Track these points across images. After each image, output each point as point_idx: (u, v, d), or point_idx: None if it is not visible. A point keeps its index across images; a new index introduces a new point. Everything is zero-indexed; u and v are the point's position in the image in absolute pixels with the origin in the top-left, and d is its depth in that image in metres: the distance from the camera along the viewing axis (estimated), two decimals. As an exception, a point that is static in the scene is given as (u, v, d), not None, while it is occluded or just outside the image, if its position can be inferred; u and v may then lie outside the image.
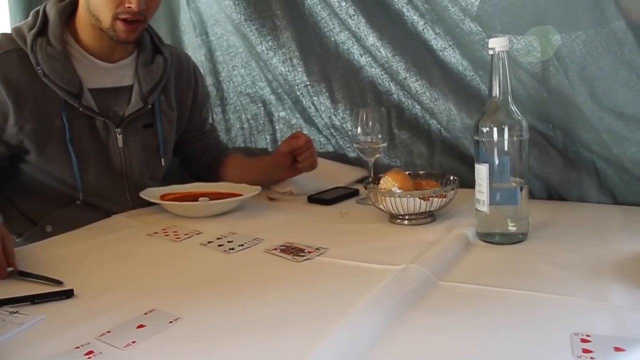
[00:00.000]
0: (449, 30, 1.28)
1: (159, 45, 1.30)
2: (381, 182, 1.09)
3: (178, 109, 1.35)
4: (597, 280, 0.76)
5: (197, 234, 1.06)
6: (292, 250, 0.93)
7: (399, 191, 1.03)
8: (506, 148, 0.91)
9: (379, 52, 1.37)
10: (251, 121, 1.67)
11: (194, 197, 1.24)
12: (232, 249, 0.96)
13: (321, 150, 1.57)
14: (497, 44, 0.90)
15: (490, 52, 0.91)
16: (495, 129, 0.91)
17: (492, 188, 0.91)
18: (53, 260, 0.93)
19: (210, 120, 1.54)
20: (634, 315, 0.66)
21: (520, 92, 1.16)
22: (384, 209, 1.06)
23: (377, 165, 1.32)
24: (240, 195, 1.21)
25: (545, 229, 0.99)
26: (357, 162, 1.50)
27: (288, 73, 1.49)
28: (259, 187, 1.24)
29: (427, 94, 1.33)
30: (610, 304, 0.69)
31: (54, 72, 1.12)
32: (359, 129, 1.24)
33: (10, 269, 0.86)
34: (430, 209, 1.04)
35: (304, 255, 0.90)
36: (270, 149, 1.66)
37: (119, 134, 1.22)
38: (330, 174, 1.41)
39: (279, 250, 0.94)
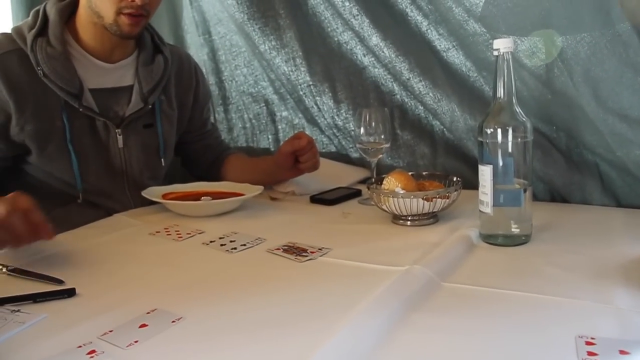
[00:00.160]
0: (453, 31, 1.28)
1: (160, 45, 1.30)
2: (384, 182, 1.09)
3: (179, 108, 1.35)
4: (601, 282, 0.76)
5: (199, 233, 1.06)
6: (295, 251, 0.93)
7: (402, 192, 1.03)
8: (510, 149, 0.91)
9: (383, 52, 1.36)
10: (253, 121, 1.67)
11: (195, 197, 1.23)
12: (235, 248, 0.96)
13: (324, 151, 1.56)
14: (502, 45, 0.90)
15: (495, 53, 0.90)
16: (499, 130, 0.90)
17: (495, 189, 0.91)
18: (54, 259, 0.92)
19: (211, 120, 1.54)
20: (639, 318, 0.66)
21: (524, 94, 1.16)
22: (386, 209, 1.05)
23: (380, 165, 1.32)
24: (242, 194, 1.21)
25: (548, 231, 0.99)
26: (360, 163, 1.49)
27: (291, 73, 1.49)
28: (261, 187, 1.24)
29: (431, 94, 1.32)
30: (615, 306, 0.69)
31: (54, 73, 1.12)
32: (362, 129, 1.24)
33: None
34: (433, 210, 1.03)
35: (306, 256, 0.90)
36: (272, 149, 1.65)
37: (119, 135, 1.22)
38: (332, 174, 1.40)
39: (282, 250, 0.93)
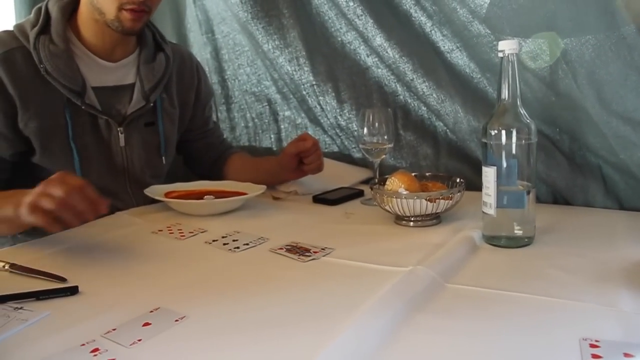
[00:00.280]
0: (457, 32, 1.28)
1: (161, 43, 1.30)
2: (387, 183, 1.08)
3: (180, 107, 1.35)
4: (604, 285, 0.76)
5: (202, 232, 1.06)
6: (298, 250, 0.93)
7: (405, 192, 1.03)
8: (514, 151, 0.91)
9: (386, 52, 1.36)
10: (256, 120, 1.67)
11: (198, 195, 1.23)
12: (237, 247, 0.96)
13: (326, 150, 1.56)
14: (507, 46, 0.90)
15: (500, 54, 0.90)
16: (503, 132, 0.90)
17: (499, 191, 0.91)
18: (57, 257, 0.92)
19: (213, 119, 1.54)
20: (643, 321, 0.66)
21: (528, 96, 1.16)
22: (389, 210, 1.05)
23: (383, 166, 1.32)
24: (245, 194, 1.21)
25: (551, 233, 0.99)
26: (362, 163, 1.49)
27: (294, 72, 1.49)
28: (264, 186, 1.24)
29: (434, 95, 1.32)
30: (619, 309, 0.69)
31: (57, 70, 1.12)
32: (365, 130, 1.24)
33: None
34: (437, 211, 1.03)
35: (309, 255, 0.90)
36: (274, 148, 1.65)
37: (121, 133, 1.22)
38: (335, 174, 1.40)
39: (285, 249, 0.93)
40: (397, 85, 1.41)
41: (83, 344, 0.63)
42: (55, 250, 0.96)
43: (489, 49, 1.20)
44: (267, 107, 1.64)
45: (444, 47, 1.32)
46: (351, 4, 1.38)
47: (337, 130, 1.51)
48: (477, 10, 1.19)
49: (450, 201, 1.04)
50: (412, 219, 1.05)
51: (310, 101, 1.51)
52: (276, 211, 1.22)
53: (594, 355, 0.58)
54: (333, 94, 1.47)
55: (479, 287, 0.76)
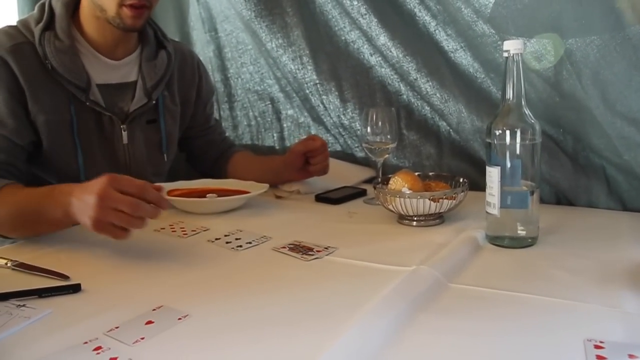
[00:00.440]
0: (461, 32, 1.27)
1: (163, 41, 1.30)
2: (391, 182, 1.08)
3: (182, 104, 1.35)
4: (608, 286, 0.76)
5: (204, 230, 1.05)
6: (301, 249, 0.92)
7: (408, 192, 1.03)
8: (518, 151, 0.90)
9: (390, 52, 1.36)
10: (259, 119, 1.67)
11: (200, 194, 1.23)
12: (240, 246, 0.96)
13: (329, 149, 1.55)
14: (512, 46, 0.89)
15: (505, 54, 0.90)
16: (507, 132, 0.90)
17: (503, 191, 0.91)
18: (59, 254, 0.92)
19: (215, 116, 1.54)
20: (647, 322, 0.65)
21: (532, 96, 1.16)
22: (393, 209, 1.05)
23: (386, 165, 1.31)
24: (247, 192, 1.21)
25: (554, 233, 0.99)
26: (365, 162, 1.49)
27: (297, 71, 1.49)
28: (267, 185, 1.24)
29: (438, 95, 1.32)
30: (623, 310, 0.68)
31: (63, 66, 1.12)
32: (369, 129, 1.23)
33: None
34: (440, 211, 1.03)
35: (312, 255, 0.90)
36: (277, 147, 1.65)
37: (124, 130, 1.22)
38: (337, 174, 1.40)
39: (288, 248, 0.93)
40: (401, 85, 1.41)
41: (85, 342, 0.62)
42: (58, 248, 0.96)
43: (493, 49, 1.20)
44: (270, 105, 1.64)
45: (448, 46, 1.32)
46: (355, 2, 1.38)
47: (340, 130, 1.51)
48: (482, 10, 1.18)
49: (454, 201, 1.04)
50: (415, 218, 1.05)
51: (313, 100, 1.51)
52: (279, 210, 1.22)
53: (598, 357, 0.57)
54: (336, 93, 1.47)
55: (482, 287, 0.76)
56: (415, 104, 1.41)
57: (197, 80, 1.39)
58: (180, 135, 1.39)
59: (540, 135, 0.91)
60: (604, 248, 0.91)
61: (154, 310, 0.70)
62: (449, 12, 1.27)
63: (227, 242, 0.98)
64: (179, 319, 0.68)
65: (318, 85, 1.48)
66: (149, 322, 0.67)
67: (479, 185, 1.06)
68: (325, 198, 1.28)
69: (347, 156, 1.54)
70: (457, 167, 1.34)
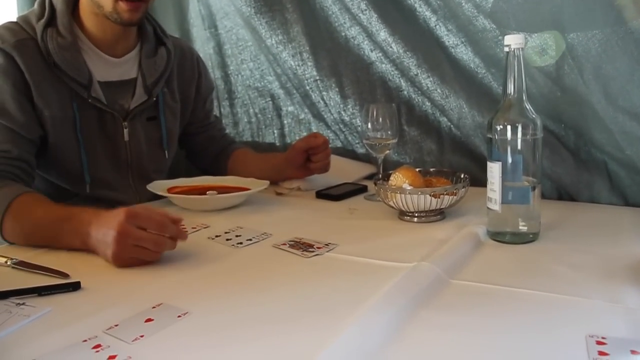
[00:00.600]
0: (462, 27, 1.27)
1: (162, 37, 1.29)
2: (392, 178, 1.08)
3: (181, 100, 1.35)
4: (610, 282, 0.75)
5: (205, 227, 1.05)
6: (301, 246, 0.92)
7: (409, 188, 1.02)
8: (519, 147, 0.90)
9: (390, 47, 1.35)
10: (259, 115, 1.66)
11: (201, 191, 1.23)
12: (240, 243, 0.95)
13: (330, 146, 1.55)
14: (513, 41, 0.89)
15: (506, 49, 0.89)
16: (509, 127, 0.90)
17: (504, 187, 0.90)
18: (59, 252, 0.92)
19: (215, 113, 1.53)
20: (650, 318, 0.65)
21: (533, 91, 1.15)
22: (393, 205, 1.05)
23: (386, 161, 1.31)
24: (247, 189, 1.20)
25: (556, 229, 0.98)
26: (366, 158, 1.49)
27: (297, 67, 1.48)
28: (267, 182, 1.24)
29: (438, 90, 1.31)
30: (625, 306, 0.68)
31: (65, 63, 1.11)
32: (369, 125, 1.23)
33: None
34: (441, 207, 1.03)
35: (313, 251, 0.90)
36: (277, 144, 1.65)
37: (125, 128, 1.22)
38: (338, 170, 1.40)
39: (288, 245, 0.93)
40: (401, 81, 1.40)
41: (85, 340, 0.62)
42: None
43: (494, 44, 1.19)
44: (271, 102, 1.64)
45: (448, 42, 1.31)
46: (355, -2, 1.38)
47: (341, 126, 1.50)
48: (483, 5, 1.18)
49: (455, 197, 1.03)
50: (416, 214, 1.05)
51: (313, 96, 1.50)
52: (279, 207, 1.22)
53: (600, 352, 0.57)
54: (337, 89, 1.46)
55: (484, 283, 0.76)
56: (416, 100, 1.40)
57: (197, 76, 1.39)
58: (180, 132, 1.38)
59: (542, 131, 0.91)
60: (606, 243, 0.91)
61: (153, 307, 0.70)
62: (450, 7, 1.26)
63: (227, 239, 0.97)
64: (179, 316, 0.68)
65: (318, 82, 1.48)
66: (149, 320, 0.67)
67: (480, 180, 1.05)
68: (326, 195, 1.27)
69: (347, 152, 1.53)
70: (458, 163, 1.34)
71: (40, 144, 1.14)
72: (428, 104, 1.38)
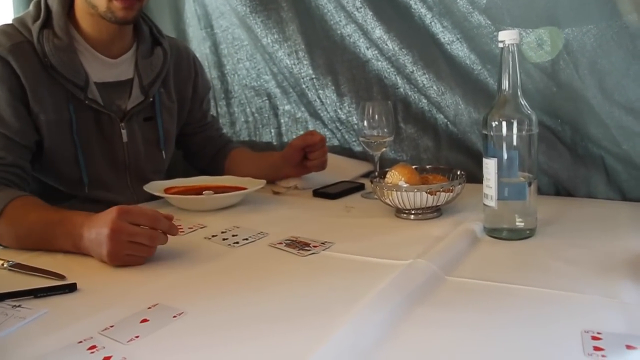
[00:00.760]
0: (457, 24, 1.26)
1: (158, 37, 1.29)
2: (388, 176, 1.08)
3: (178, 101, 1.35)
4: (607, 277, 0.75)
5: (202, 227, 1.05)
6: (298, 245, 0.92)
7: (405, 185, 1.02)
8: (515, 142, 0.90)
9: (386, 45, 1.35)
10: (256, 114, 1.66)
11: (198, 191, 1.23)
12: (237, 242, 0.95)
13: (326, 144, 1.55)
14: (507, 36, 0.88)
15: (500, 45, 0.89)
16: (504, 123, 0.89)
17: (500, 183, 0.90)
18: (56, 254, 0.92)
19: (212, 112, 1.53)
20: (646, 313, 0.65)
21: (529, 87, 1.15)
22: (390, 203, 1.04)
23: (383, 159, 1.31)
24: (244, 188, 1.20)
25: (553, 224, 0.98)
26: (363, 156, 1.49)
27: (293, 66, 1.48)
28: (264, 181, 1.23)
29: (434, 87, 1.31)
30: (621, 301, 0.68)
31: (62, 64, 1.11)
32: (365, 123, 1.23)
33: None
34: (437, 204, 1.03)
35: (309, 250, 0.90)
36: (275, 143, 1.65)
37: (123, 129, 1.21)
38: (335, 168, 1.40)
39: (284, 244, 0.93)
40: (397, 78, 1.40)
41: (80, 341, 0.62)
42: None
43: (489, 40, 1.19)
44: (267, 101, 1.64)
45: (444, 38, 1.31)
46: (350, -4, 1.37)
47: (337, 124, 1.50)
48: (477, 1, 1.18)
49: (451, 193, 1.03)
50: (413, 212, 1.05)
51: (310, 95, 1.50)
52: (276, 206, 1.21)
53: (595, 348, 0.57)
54: (333, 88, 1.46)
55: (480, 279, 0.76)
56: (412, 97, 1.40)
57: (193, 76, 1.39)
58: (177, 132, 1.38)
59: (537, 126, 0.91)
60: (603, 238, 0.91)
61: (149, 308, 0.70)
62: (445, 4, 1.26)
63: (223, 239, 0.97)
64: (174, 316, 0.68)
65: (314, 80, 1.48)
66: (144, 320, 0.67)
67: (477, 177, 1.05)
68: (323, 193, 1.27)
69: (344, 151, 1.53)
70: (455, 160, 1.34)
71: (36, 149, 1.14)
72: (424, 101, 1.38)
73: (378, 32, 1.36)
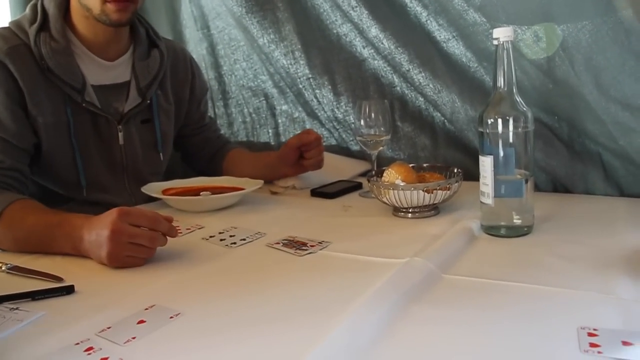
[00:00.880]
0: (453, 21, 1.26)
1: (155, 39, 1.29)
2: (384, 174, 1.08)
3: (175, 102, 1.35)
4: (604, 273, 0.75)
5: (199, 228, 1.05)
6: (295, 245, 0.92)
7: (402, 184, 1.02)
8: (511, 140, 0.90)
9: (382, 44, 1.35)
10: (253, 115, 1.66)
11: (195, 192, 1.23)
12: (234, 243, 0.95)
13: (324, 144, 1.55)
14: (502, 34, 0.88)
15: (495, 42, 0.89)
16: (499, 121, 0.89)
17: (496, 180, 0.90)
18: (54, 257, 0.92)
19: (209, 113, 1.53)
20: (642, 308, 0.65)
21: (525, 84, 1.15)
22: (387, 202, 1.05)
23: (381, 158, 1.31)
24: (242, 189, 1.20)
25: (550, 221, 0.98)
26: (360, 155, 1.49)
27: (290, 66, 1.48)
28: (261, 181, 1.24)
29: (431, 85, 1.31)
30: (618, 297, 0.68)
31: (59, 67, 1.11)
32: (362, 122, 1.23)
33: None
34: (434, 202, 1.03)
35: (306, 249, 0.90)
36: (272, 143, 1.65)
37: (120, 131, 1.22)
38: (333, 168, 1.40)
39: (281, 244, 0.93)
40: (394, 77, 1.40)
41: (77, 343, 0.62)
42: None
43: (485, 38, 1.19)
44: (264, 101, 1.64)
45: (439, 36, 1.31)
46: (345, -5, 1.37)
47: (335, 123, 1.50)
48: (472, -1, 1.18)
49: (448, 192, 1.03)
50: (410, 210, 1.05)
51: (306, 95, 1.50)
52: (274, 206, 1.21)
53: (591, 344, 0.57)
54: (329, 87, 1.46)
55: (476, 277, 0.76)
56: (409, 95, 1.40)
57: (191, 77, 1.39)
58: (175, 134, 1.38)
59: (533, 123, 0.90)
60: (601, 234, 0.91)
61: (146, 309, 0.70)
62: (440, 2, 1.26)
63: (221, 240, 0.98)
64: (171, 317, 0.68)
65: (311, 80, 1.48)
66: (141, 322, 0.67)
67: (475, 175, 1.05)
68: (321, 193, 1.27)
69: (342, 150, 1.53)
70: (453, 158, 1.34)
71: (34, 152, 1.14)
72: (421, 99, 1.38)
73: (374, 31, 1.36)
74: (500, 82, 0.90)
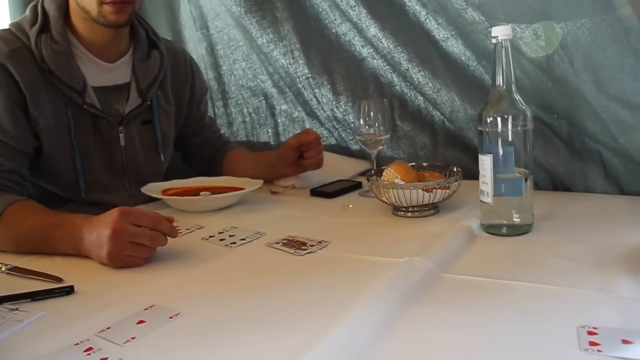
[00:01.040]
0: (452, 20, 1.26)
1: (155, 40, 1.29)
2: (384, 174, 1.08)
3: (176, 103, 1.34)
4: (604, 271, 0.75)
5: (199, 228, 1.05)
6: (294, 244, 0.92)
7: (401, 183, 1.02)
8: (510, 138, 0.89)
9: (381, 43, 1.35)
10: (253, 115, 1.66)
11: (195, 192, 1.23)
12: (234, 243, 0.95)
13: (323, 143, 1.54)
14: (500, 32, 0.88)
15: (493, 40, 0.89)
16: (499, 119, 0.89)
17: (496, 179, 0.90)
18: (54, 257, 0.92)
19: (209, 114, 1.53)
20: (642, 306, 0.65)
21: (524, 82, 1.15)
22: (387, 201, 1.04)
23: (380, 157, 1.31)
24: (242, 189, 1.20)
25: (550, 220, 0.98)
26: (360, 155, 1.49)
27: (289, 66, 1.48)
28: (261, 181, 1.24)
29: (430, 84, 1.31)
30: (618, 295, 0.68)
31: (60, 69, 1.11)
32: (361, 121, 1.23)
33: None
34: (434, 201, 1.03)
35: (306, 249, 0.90)
36: (272, 143, 1.65)
37: (121, 133, 1.22)
38: (332, 167, 1.40)
39: (281, 244, 0.93)
40: (393, 76, 1.40)
41: (77, 343, 0.62)
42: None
43: (484, 36, 1.19)
44: (264, 101, 1.64)
45: (438, 35, 1.31)
46: (344, -6, 1.37)
47: (334, 123, 1.50)
48: (471, -3, 1.18)
49: (448, 191, 1.03)
50: (410, 209, 1.05)
51: (306, 94, 1.50)
52: (273, 205, 1.21)
53: (591, 343, 0.57)
54: (329, 87, 1.46)
55: (476, 276, 0.76)
56: (409, 95, 1.40)
57: (190, 78, 1.39)
58: (175, 135, 1.38)
59: (532, 121, 0.90)
60: (600, 233, 0.91)
61: (145, 309, 0.70)
62: (439, 0, 1.26)
63: (221, 240, 0.98)
64: (171, 317, 0.68)
65: (310, 79, 1.48)
66: (141, 322, 0.67)
67: (474, 173, 1.05)
68: (321, 192, 1.27)
69: (342, 149, 1.53)
70: (452, 157, 1.34)
71: (34, 154, 1.14)
72: (420, 98, 1.38)
73: (373, 30, 1.36)
74: (499, 80, 0.90)
